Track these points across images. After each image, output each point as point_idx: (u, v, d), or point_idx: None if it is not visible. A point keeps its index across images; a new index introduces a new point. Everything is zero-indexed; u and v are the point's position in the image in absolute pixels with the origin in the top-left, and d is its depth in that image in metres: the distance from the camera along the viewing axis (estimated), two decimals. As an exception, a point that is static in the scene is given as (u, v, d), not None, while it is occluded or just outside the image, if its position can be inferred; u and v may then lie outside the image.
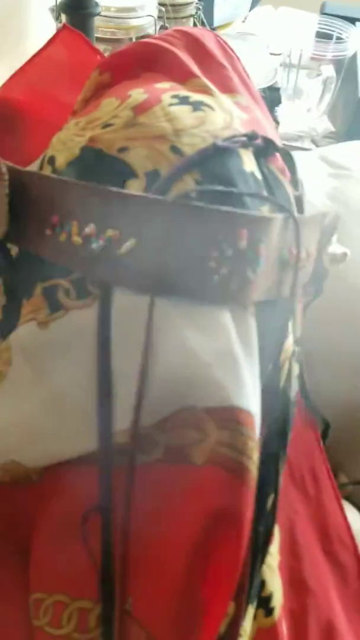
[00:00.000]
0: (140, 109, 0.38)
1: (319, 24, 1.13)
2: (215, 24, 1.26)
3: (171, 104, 0.38)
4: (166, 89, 0.41)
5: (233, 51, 0.47)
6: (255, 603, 0.42)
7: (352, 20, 1.15)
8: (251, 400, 0.34)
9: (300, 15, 1.23)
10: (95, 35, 0.96)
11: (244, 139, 0.38)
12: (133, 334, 0.34)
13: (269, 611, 0.43)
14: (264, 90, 1.03)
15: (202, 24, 1.16)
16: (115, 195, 0.34)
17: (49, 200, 0.37)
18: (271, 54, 1.19)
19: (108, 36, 0.97)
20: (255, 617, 0.43)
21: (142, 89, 0.41)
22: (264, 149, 0.40)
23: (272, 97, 1.07)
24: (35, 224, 0.37)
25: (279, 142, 0.45)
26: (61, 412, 0.36)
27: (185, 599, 0.34)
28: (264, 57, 1.10)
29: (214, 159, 0.36)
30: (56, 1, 0.87)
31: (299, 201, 0.43)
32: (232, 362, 0.34)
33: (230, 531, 0.33)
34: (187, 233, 0.33)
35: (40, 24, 1.00)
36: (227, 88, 0.43)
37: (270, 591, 0.44)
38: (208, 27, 1.19)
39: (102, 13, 0.93)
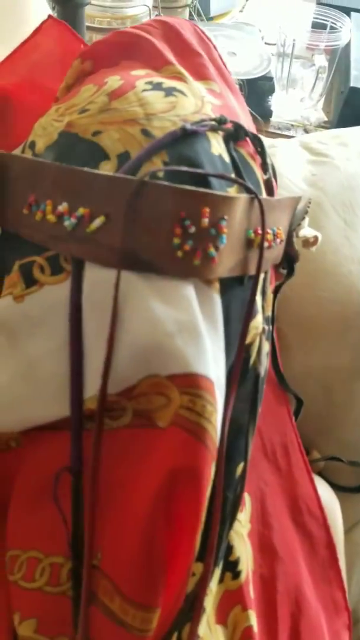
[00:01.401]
0: (115, 94, 0.40)
1: (315, 13, 1.14)
2: (212, 13, 1.27)
3: (144, 90, 0.40)
4: (141, 76, 0.42)
5: (210, 40, 0.49)
6: (221, 565, 0.44)
7: (347, 11, 1.16)
8: (211, 368, 0.36)
9: (297, 5, 1.23)
10: (92, 25, 0.98)
11: (213, 123, 0.40)
12: (102, 305, 0.36)
13: (236, 574, 0.46)
14: (257, 79, 1.05)
15: (198, 13, 1.17)
16: (86, 175, 0.36)
17: (26, 180, 0.39)
18: (266, 43, 1.20)
19: (104, 26, 0.99)
20: (222, 579, 0.46)
21: (118, 75, 0.42)
22: (234, 134, 0.42)
23: (265, 86, 1.09)
24: (13, 203, 0.39)
25: (252, 128, 0.47)
26: (36, 381, 0.38)
27: (148, 552, 0.36)
28: (259, 46, 1.11)
29: (182, 142, 0.38)
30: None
31: (269, 184, 0.45)
32: (193, 333, 0.36)
33: (190, 488, 0.35)
34: (152, 211, 0.35)
35: (37, 12, 1.02)
36: (201, 75, 0.45)
37: (238, 556, 0.46)
38: (204, 17, 1.21)
39: (98, 3, 0.95)
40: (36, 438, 0.40)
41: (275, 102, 1.12)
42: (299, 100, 1.14)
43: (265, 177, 0.44)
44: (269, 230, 0.42)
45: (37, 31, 0.51)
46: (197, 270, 0.36)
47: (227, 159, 0.40)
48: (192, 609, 0.40)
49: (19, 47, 0.51)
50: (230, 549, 0.46)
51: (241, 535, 0.47)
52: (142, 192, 0.35)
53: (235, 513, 0.45)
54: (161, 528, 0.36)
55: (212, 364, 0.37)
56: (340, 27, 1.10)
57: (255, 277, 0.41)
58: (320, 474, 0.60)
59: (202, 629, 0.42)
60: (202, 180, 0.37)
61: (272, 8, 1.35)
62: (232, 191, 0.39)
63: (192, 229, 0.36)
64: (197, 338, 0.36)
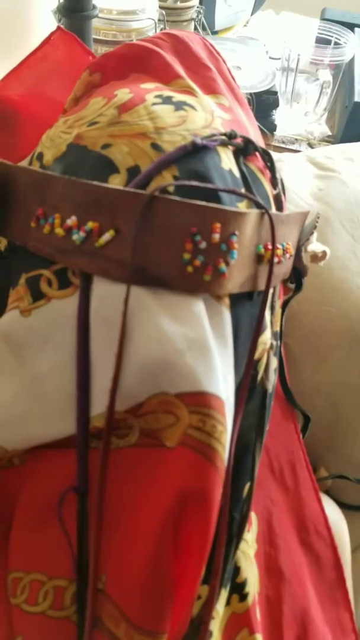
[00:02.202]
0: (125, 107, 0.40)
1: (319, 29, 1.14)
2: (217, 27, 1.27)
3: (154, 104, 0.40)
4: (151, 89, 0.42)
5: (219, 54, 0.49)
6: (228, 587, 0.43)
7: (351, 27, 1.16)
8: (221, 387, 0.36)
9: (301, 20, 1.24)
10: (97, 37, 0.98)
11: (223, 137, 0.39)
12: (111, 320, 0.35)
13: (243, 597, 0.45)
14: (262, 93, 1.05)
15: (203, 27, 1.18)
16: (95, 188, 0.35)
17: (34, 193, 0.38)
18: (271, 58, 1.20)
19: (109, 38, 0.99)
20: (229, 602, 0.44)
21: (128, 88, 0.42)
22: (243, 148, 0.41)
23: (270, 100, 1.09)
24: (21, 216, 0.39)
25: (261, 142, 0.46)
26: (42, 397, 0.37)
27: (155, 577, 0.35)
28: (263, 60, 1.12)
29: (192, 156, 0.37)
30: (58, 3, 0.89)
31: (278, 199, 0.44)
32: (203, 350, 0.35)
33: (199, 510, 0.34)
34: (163, 226, 0.35)
35: (42, 25, 1.02)
36: (210, 89, 0.45)
37: (245, 577, 0.45)
38: (209, 31, 1.21)
39: (104, 15, 0.95)
40: (40, 456, 0.39)
41: (280, 116, 1.12)
42: (303, 114, 1.15)
43: (274, 192, 0.44)
44: (279, 246, 0.41)
45: (45, 42, 0.50)
46: (207, 285, 0.36)
47: (237, 173, 0.40)
48: (197, 633, 0.39)
49: (27, 58, 0.50)
50: (237, 570, 0.45)
51: (248, 556, 0.46)
52: (152, 207, 0.35)
53: (242, 533, 0.44)
54: (169, 551, 0.35)
55: (222, 382, 0.36)
56: (345, 42, 1.10)
57: (265, 293, 0.40)
58: (327, 492, 0.59)
59: (209, 654, 0.41)
60: (213, 195, 0.37)
61: (276, 23, 1.35)
62: (242, 206, 0.38)
63: (203, 245, 0.35)
64: (207, 355, 0.35)
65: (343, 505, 0.59)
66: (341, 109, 1.11)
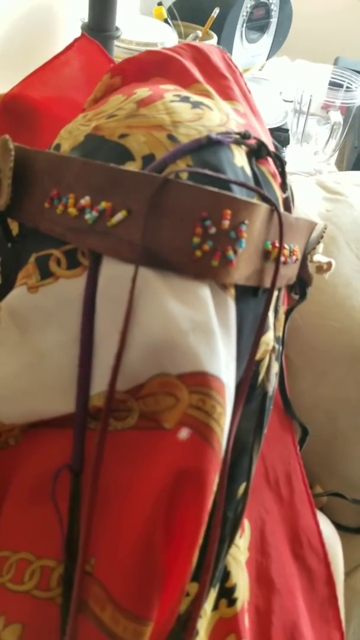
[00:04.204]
0: (143, 102, 0.41)
1: (331, 74, 1.18)
2: (233, 68, 1.31)
3: (172, 101, 0.41)
4: (169, 90, 0.43)
5: (237, 67, 0.51)
6: (217, 588, 0.42)
7: (362, 74, 1.20)
8: (222, 370, 0.36)
9: (314, 66, 1.28)
10: (117, 65, 1.01)
11: (237, 136, 0.41)
12: (117, 300, 0.35)
13: (232, 602, 0.44)
14: (273, 130, 1.08)
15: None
16: (110, 170, 0.36)
17: (50, 175, 0.39)
18: (284, 100, 1.24)
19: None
20: (217, 606, 0.43)
21: (147, 87, 0.44)
22: (256, 150, 0.42)
23: (281, 137, 1.11)
24: (35, 198, 0.39)
25: (272, 148, 0.47)
26: (43, 373, 0.37)
27: (146, 560, 0.34)
28: (276, 99, 1.15)
29: (206, 149, 0.38)
30: (82, 22, 0.92)
31: (287, 204, 0.45)
32: (207, 333, 0.35)
33: (193, 491, 0.34)
34: (174, 208, 0.35)
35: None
36: (226, 96, 0.46)
37: (235, 582, 0.44)
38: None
39: (124, 45, 0.98)
40: (36, 435, 0.39)
41: (289, 153, 1.14)
42: (312, 153, 1.17)
43: (284, 195, 0.45)
44: (286, 246, 0.42)
45: (69, 47, 0.52)
46: (214, 271, 0.36)
47: (249, 172, 0.41)
48: (184, 629, 0.38)
49: (51, 61, 0.52)
50: (227, 574, 0.44)
51: (239, 562, 0.45)
52: (165, 190, 0.35)
53: (235, 534, 0.43)
54: (161, 534, 0.34)
55: (224, 366, 0.36)
56: (356, 87, 1.14)
57: (270, 290, 0.41)
58: (322, 510, 0.58)
59: (194, 654, 0.39)
60: (224, 186, 0.37)
61: (291, 69, 1.40)
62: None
63: (213, 230, 0.36)
64: (210, 338, 0.35)
65: (338, 527, 0.58)
66: (350, 150, 1.14)
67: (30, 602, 0.36)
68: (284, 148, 1.13)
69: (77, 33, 0.97)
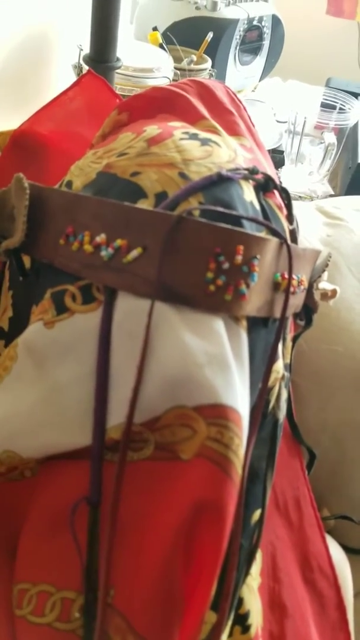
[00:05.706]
0: (153, 141, 0.42)
1: (324, 94, 1.20)
2: (226, 91, 1.33)
3: (182, 138, 0.42)
4: (178, 127, 0.45)
5: (241, 101, 0.52)
6: (232, 617, 0.43)
7: (355, 95, 1.22)
8: (239, 401, 0.37)
9: (307, 87, 1.30)
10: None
11: (246, 172, 0.42)
12: (133, 334, 0.36)
13: (246, 628, 0.44)
14: (269, 152, 1.10)
15: (214, 89, 1.23)
16: (126, 208, 0.37)
17: (65, 213, 0.40)
18: (277, 121, 1.26)
19: (126, 93, 1.04)
20: (232, 633, 0.44)
21: (156, 125, 0.45)
22: (264, 184, 0.43)
23: (276, 159, 1.13)
24: (50, 234, 0.40)
25: (278, 182, 0.49)
26: (60, 407, 0.38)
27: (166, 591, 0.35)
28: (270, 121, 1.17)
29: (217, 186, 0.40)
30: (79, 57, 0.94)
31: (294, 235, 0.46)
32: (222, 365, 0.36)
33: (213, 522, 0.34)
34: (188, 245, 0.36)
35: (61, 79, 1.08)
36: (233, 131, 0.48)
37: (248, 609, 0.44)
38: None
39: (122, 72, 1.00)
40: (53, 467, 0.40)
41: (285, 174, 1.16)
42: (307, 174, 1.19)
43: (290, 227, 0.46)
44: (294, 276, 0.43)
45: (76, 83, 0.54)
46: (227, 305, 0.37)
47: (257, 206, 0.42)
48: None
49: (58, 97, 0.53)
50: (240, 601, 0.44)
51: (252, 588, 0.46)
52: (180, 227, 0.36)
53: (251, 562, 0.43)
54: (180, 564, 0.35)
55: (240, 398, 0.37)
56: (349, 108, 1.16)
57: (281, 320, 0.42)
58: (330, 533, 0.59)
59: None
60: (236, 221, 0.39)
61: (283, 90, 1.42)
62: (261, 234, 0.40)
63: (226, 265, 0.37)
64: (226, 370, 0.36)
65: (346, 549, 0.58)
66: (344, 170, 1.16)
67: (52, 634, 0.36)
68: (280, 170, 1.15)
69: (74, 60, 0.99)
